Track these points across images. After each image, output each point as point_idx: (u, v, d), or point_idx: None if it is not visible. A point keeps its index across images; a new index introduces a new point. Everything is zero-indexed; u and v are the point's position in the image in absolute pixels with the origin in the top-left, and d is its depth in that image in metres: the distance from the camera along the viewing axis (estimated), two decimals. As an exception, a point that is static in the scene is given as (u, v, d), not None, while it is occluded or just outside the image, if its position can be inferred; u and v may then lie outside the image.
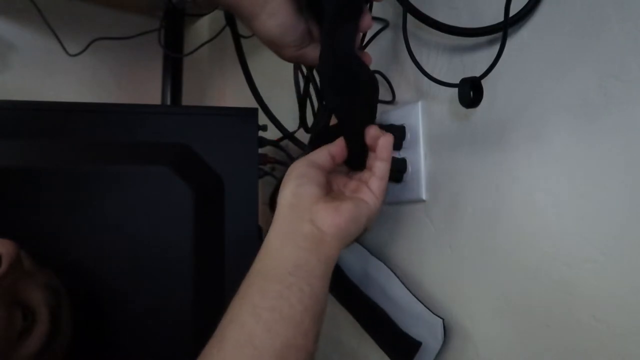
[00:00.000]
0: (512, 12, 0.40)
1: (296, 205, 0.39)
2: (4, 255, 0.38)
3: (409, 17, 0.46)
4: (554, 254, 0.38)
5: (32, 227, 0.49)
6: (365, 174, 0.44)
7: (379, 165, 0.42)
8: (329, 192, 0.43)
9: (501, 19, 0.40)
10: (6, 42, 0.89)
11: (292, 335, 0.34)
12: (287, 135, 0.62)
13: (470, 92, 0.38)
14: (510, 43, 0.42)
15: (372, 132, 0.42)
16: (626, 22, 0.34)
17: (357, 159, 0.44)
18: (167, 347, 0.51)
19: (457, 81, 0.39)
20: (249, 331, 0.33)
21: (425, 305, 0.47)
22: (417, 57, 0.46)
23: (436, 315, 0.45)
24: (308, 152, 0.49)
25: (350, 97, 0.41)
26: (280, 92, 0.69)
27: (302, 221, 0.38)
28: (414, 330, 0.47)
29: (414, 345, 0.46)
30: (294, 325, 0.34)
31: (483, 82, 0.38)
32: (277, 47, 0.42)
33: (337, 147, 0.43)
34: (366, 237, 0.57)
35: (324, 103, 0.53)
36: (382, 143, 0.41)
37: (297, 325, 0.34)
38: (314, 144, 0.46)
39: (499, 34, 0.42)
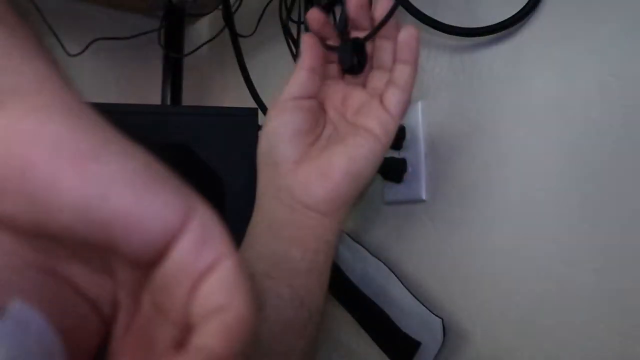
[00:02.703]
0: (512, 12, 0.40)
1: (272, 174, 0.29)
2: None
3: (409, 17, 0.46)
4: (554, 253, 0.38)
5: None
6: (376, 79, 0.31)
7: (402, 70, 0.30)
8: (320, 123, 0.30)
9: (501, 19, 0.40)
10: (6, 42, 0.88)
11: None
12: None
13: (353, 56, 0.30)
14: (510, 42, 0.42)
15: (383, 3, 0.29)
16: (626, 21, 0.34)
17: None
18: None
19: (457, 82, 0.39)
20: None
21: (424, 305, 0.47)
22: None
23: (436, 315, 0.45)
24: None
25: None
26: (279, 92, 0.69)
27: (280, 200, 0.29)
28: (414, 330, 0.47)
29: (414, 345, 0.46)
30: (267, 344, 0.25)
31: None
32: None
33: (307, 54, 0.30)
34: (365, 238, 0.57)
35: None
36: (405, 37, 0.29)
37: (274, 340, 0.26)
38: None
39: (499, 34, 0.42)
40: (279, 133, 0.29)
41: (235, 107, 0.57)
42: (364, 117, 0.30)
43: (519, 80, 0.41)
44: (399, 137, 0.51)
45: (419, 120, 0.50)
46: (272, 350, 0.25)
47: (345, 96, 0.31)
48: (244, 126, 0.56)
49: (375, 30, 0.29)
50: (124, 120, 0.60)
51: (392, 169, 0.51)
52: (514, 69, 0.42)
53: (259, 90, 0.58)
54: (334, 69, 0.32)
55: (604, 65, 0.36)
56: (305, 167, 0.28)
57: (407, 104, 0.30)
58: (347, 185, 0.28)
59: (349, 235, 0.59)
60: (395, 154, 0.52)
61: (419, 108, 0.50)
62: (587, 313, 0.36)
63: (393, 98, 0.30)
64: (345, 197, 0.29)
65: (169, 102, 0.94)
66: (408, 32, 0.30)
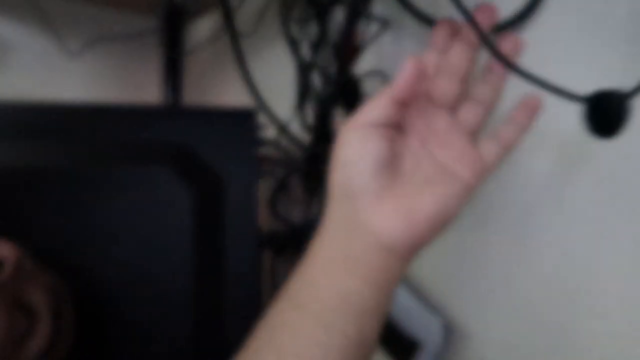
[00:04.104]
0: (511, 12, 0.40)
1: (349, 208, 0.27)
2: (8, 259, 0.38)
3: (409, 17, 0.46)
4: (555, 253, 0.38)
5: (32, 227, 0.49)
6: (471, 111, 0.29)
7: (513, 132, 0.28)
8: (400, 152, 0.28)
9: (501, 19, 0.40)
10: (6, 42, 0.89)
11: None
12: (283, 130, 0.62)
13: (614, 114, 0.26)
14: (510, 43, 0.41)
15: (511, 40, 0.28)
16: (627, 21, 0.34)
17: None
18: (167, 346, 0.51)
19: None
20: None
21: (425, 305, 0.47)
22: (417, 57, 0.46)
23: (436, 315, 0.45)
24: (309, 152, 0.48)
25: None
26: (280, 92, 0.69)
27: (356, 234, 0.27)
28: (414, 330, 0.47)
29: (414, 345, 0.46)
30: None
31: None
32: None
33: (404, 83, 0.26)
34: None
35: None
36: (530, 101, 0.28)
37: None
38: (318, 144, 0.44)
39: (499, 34, 0.42)
40: (360, 163, 0.27)
41: (235, 107, 0.57)
42: (457, 162, 0.28)
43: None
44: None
45: (419, 120, 0.50)
46: None
47: (430, 120, 0.29)
48: (244, 126, 0.56)
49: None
50: (124, 120, 0.60)
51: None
52: (514, 69, 0.42)
53: (259, 90, 0.58)
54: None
55: (605, 64, 0.36)
56: (387, 205, 0.27)
57: (502, 159, 0.29)
58: (430, 232, 0.27)
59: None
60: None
61: (419, 108, 0.50)
62: (588, 314, 0.36)
63: (495, 153, 0.29)
64: (425, 242, 0.28)
65: (169, 102, 0.94)
66: (534, 97, 0.28)
